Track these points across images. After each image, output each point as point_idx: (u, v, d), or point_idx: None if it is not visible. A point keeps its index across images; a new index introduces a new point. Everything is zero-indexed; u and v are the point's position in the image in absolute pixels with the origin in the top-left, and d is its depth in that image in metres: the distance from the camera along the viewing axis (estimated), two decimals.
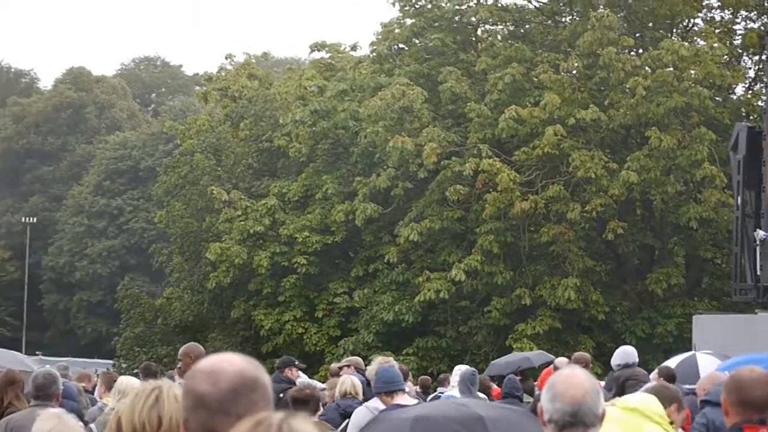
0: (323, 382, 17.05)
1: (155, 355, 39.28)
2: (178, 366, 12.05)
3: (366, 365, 15.27)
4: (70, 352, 78.89)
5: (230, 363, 3.03)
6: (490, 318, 32.70)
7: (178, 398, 4.08)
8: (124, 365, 41.77)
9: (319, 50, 42.64)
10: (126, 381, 9.19)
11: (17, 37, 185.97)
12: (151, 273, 66.84)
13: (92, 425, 8.79)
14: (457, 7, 36.55)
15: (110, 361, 48.73)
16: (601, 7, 33.29)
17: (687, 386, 11.51)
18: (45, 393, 8.28)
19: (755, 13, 36.14)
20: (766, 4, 35.89)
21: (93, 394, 15.84)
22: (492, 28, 37.97)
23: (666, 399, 6.88)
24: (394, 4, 36.70)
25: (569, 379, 4.21)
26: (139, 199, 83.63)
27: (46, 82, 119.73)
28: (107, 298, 79.06)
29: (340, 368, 15.59)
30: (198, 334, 40.87)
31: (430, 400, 14.27)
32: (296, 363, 15.80)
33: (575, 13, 35.70)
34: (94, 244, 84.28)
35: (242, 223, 36.69)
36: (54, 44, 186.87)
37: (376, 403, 9.96)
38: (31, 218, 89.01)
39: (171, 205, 42.05)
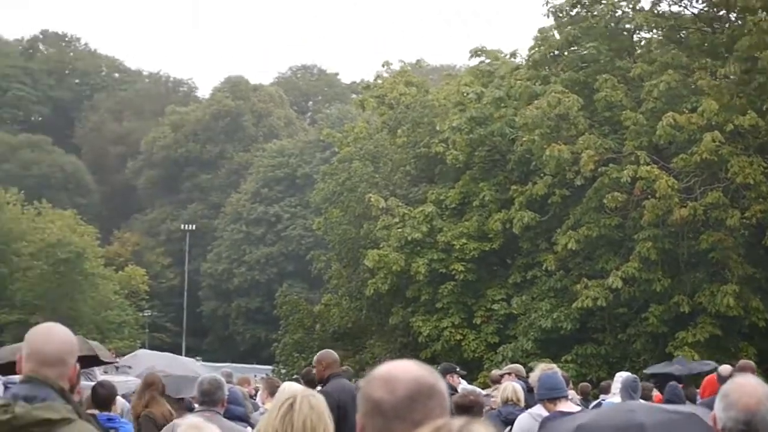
0: (483, 389, 17.23)
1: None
2: (306, 372, 12.94)
3: (527, 372, 15.40)
4: (229, 357, 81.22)
5: (406, 370, 3.08)
6: (648, 325, 32.71)
7: (312, 405, 4.38)
8: (283, 371, 42.86)
9: (478, 56, 42.93)
10: (289, 387, 9.20)
11: (176, 47, 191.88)
12: (308, 279, 68.34)
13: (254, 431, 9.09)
14: (612, 14, 36.83)
15: (269, 367, 49.98)
16: (760, 10, 33.09)
17: None
18: (210, 399, 8.38)
19: None
20: None
21: (254, 399, 16.41)
22: (647, 35, 38.13)
23: None
24: (548, 15, 37.18)
25: (743, 387, 4.19)
26: (296, 206, 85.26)
27: (204, 91, 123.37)
28: (265, 304, 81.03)
29: (501, 375, 15.86)
30: (356, 341, 42.03)
31: (593, 407, 14.53)
32: (457, 370, 16.26)
33: (733, 18, 35.56)
34: (252, 251, 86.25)
35: (400, 230, 37.22)
36: (212, 54, 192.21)
37: (539, 410, 9.98)
38: (190, 225, 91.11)
39: (329, 212, 43.04)
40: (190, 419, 4.99)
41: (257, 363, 70.78)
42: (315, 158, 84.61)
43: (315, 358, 11.88)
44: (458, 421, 2.68)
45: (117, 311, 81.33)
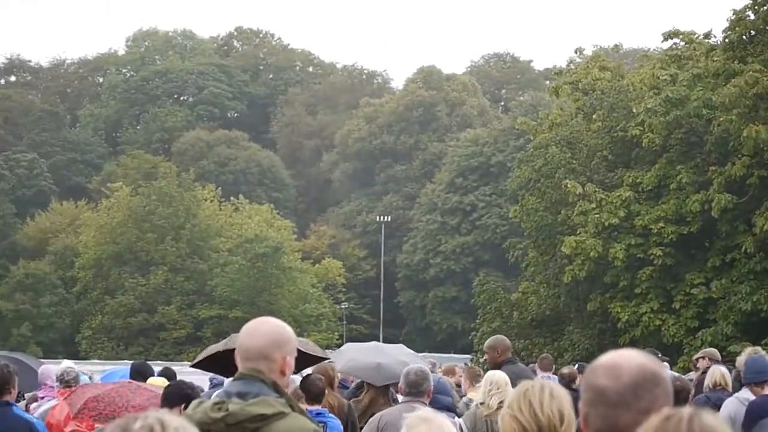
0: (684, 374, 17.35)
1: (512, 349, 41.02)
2: (483, 359, 13.09)
3: (724, 356, 15.45)
4: (427, 347, 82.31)
5: (630, 358, 3.12)
6: None
7: (553, 394, 4.33)
8: (482, 359, 43.58)
9: (671, 38, 42.70)
10: (495, 375, 9.37)
11: (370, 39, 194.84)
12: (504, 268, 68.84)
13: (460, 420, 9.08)
14: None
15: (467, 356, 50.77)
16: None
17: None
18: (417, 390, 8.46)
19: None
20: None
21: (459, 388, 16.54)
22: None
23: None
24: None
25: None
26: (491, 195, 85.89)
27: (397, 83, 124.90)
28: (461, 293, 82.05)
29: (696, 360, 16.10)
30: (554, 328, 42.52)
31: None
32: (659, 355, 16.65)
33: None
34: (447, 240, 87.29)
35: (597, 215, 37.43)
36: (405, 44, 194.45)
37: (745, 394, 9.89)
38: (386, 217, 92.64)
39: (525, 200, 43.47)
40: (421, 411, 4.91)
41: (454, 352, 71.70)
42: (509, 146, 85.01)
43: (487, 344, 12.12)
44: (687, 410, 2.68)
45: (314, 304, 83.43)
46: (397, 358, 12.50)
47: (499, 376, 9.27)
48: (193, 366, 10.86)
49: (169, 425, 2.52)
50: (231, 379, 4.69)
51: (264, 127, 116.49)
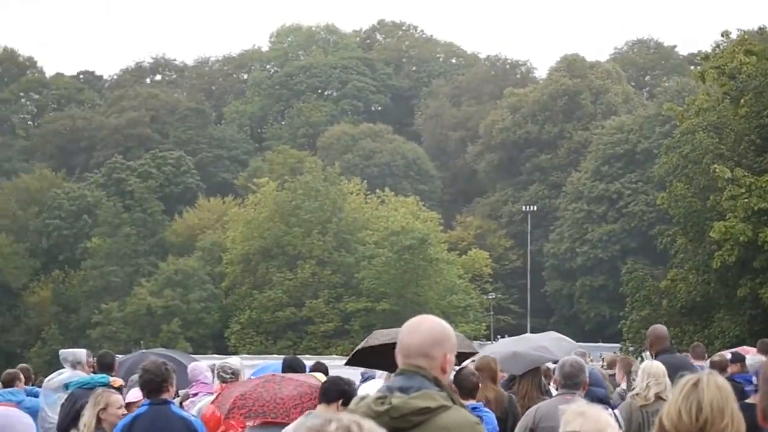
0: None
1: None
2: (632, 348, 12.78)
3: None
4: (574, 336, 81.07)
5: None
6: None
7: (719, 385, 4.16)
8: (631, 348, 43.43)
9: None
10: (653, 366, 9.41)
11: (513, 28, 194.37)
12: (652, 255, 68.33)
13: (615, 411, 9.04)
14: None
15: (615, 345, 50.64)
16: None
17: None
18: (572, 382, 8.48)
19: None
20: None
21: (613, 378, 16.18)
22: None
23: None
24: None
25: None
26: (637, 182, 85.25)
27: (541, 71, 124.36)
28: (609, 282, 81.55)
29: None
30: (704, 315, 42.18)
31: None
32: None
33: None
34: (594, 229, 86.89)
35: (746, 200, 37.04)
36: (548, 33, 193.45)
37: None
38: (532, 206, 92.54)
39: (672, 186, 43.22)
40: (576, 405, 4.80)
41: (602, 341, 71.30)
42: (654, 133, 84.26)
43: (650, 332, 11.99)
44: None
45: (461, 295, 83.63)
46: (538, 343, 12.45)
47: (657, 366, 9.29)
48: (347, 364, 10.90)
49: (364, 426, 2.59)
50: (391, 374, 4.79)
51: (408, 119, 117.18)
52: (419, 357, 4.45)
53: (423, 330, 4.50)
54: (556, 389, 9.12)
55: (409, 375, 4.43)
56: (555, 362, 11.56)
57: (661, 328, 12.34)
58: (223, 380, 10.94)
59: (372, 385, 11.14)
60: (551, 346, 12.48)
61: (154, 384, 8.42)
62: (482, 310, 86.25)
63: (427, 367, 4.43)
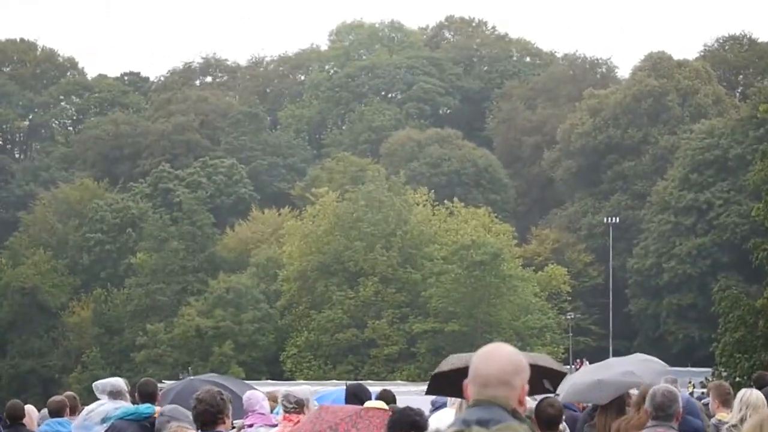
0: None
1: (759, 361, 40.20)
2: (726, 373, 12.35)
3: None
4: (661, 360, 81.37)
5: None
6: None
7: None
8: (724, 374, 42.91)
9: None
10: (751, 395, 9.35)
11: (592, 24, 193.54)
12: (747, 271, 67.60)
13: None
14: None
15: (706, 370, 50.10)
16: None
17: None
18: (665, 413, 8.46)
19: None
20: None
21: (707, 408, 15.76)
22: None
23: None
24: None
25: None
26: (729, 191, 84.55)
27: (623, 71, 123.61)
28: (699, 300, 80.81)
29: None
30: None
31: None
32: None
33: None
34: (682, 242, 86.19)
35: None
36: (631, 29, 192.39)
37: None
38: (613, 218, 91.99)
39: None
40: None
41: (691, 365, 70.58)
42: (748, 137, 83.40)
43: None
44: None
45: (537, 315, 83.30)
46: (623, 368, 12.16)
47: (755, 396, 9.23)
48: (428, 393, 10.77)
49: None
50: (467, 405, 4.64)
51: (479, 123, 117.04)
52: (499, 386, 4.46)
53: (502, 357, 4.51)
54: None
55: (486, 406, 4.41)
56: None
57: None
58: (286, 410, 10.86)
59: (444, 415, 11.15)
60: (638, 369, 12.08)
61: (209, 415, 8.38)
62: (560, 332, 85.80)
63: (506, 396, 4.45)
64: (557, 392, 11.28)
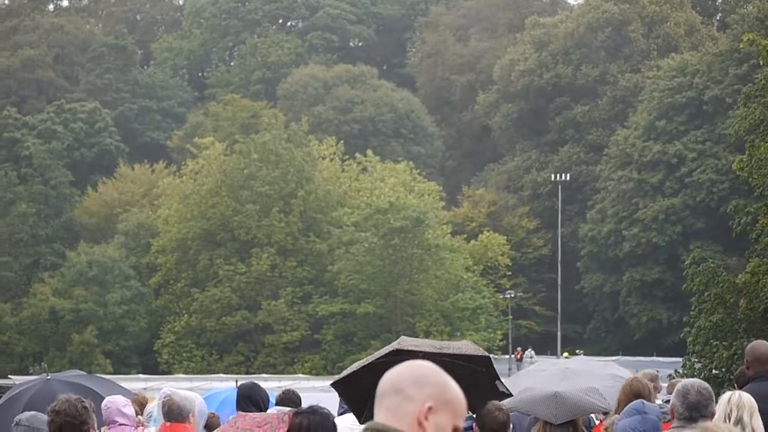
0: None
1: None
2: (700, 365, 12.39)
3: None
4: (621, 348, 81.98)
5: None
6: None
7: None
8: (698, 365, 43.06)
9: None
10: (738, 397, 9.34)
11: None
12: (726, 240, 68.02)
13: None
14: None
15: (676, 360, 50.34)
16: None
17: None
18: (700, 413, 8.60)
19: None
20: None
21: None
22: None
23: None
24: None
25: None
26: (705, 142, 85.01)
27: None
28: (667, 275, 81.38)
29: None
30: None
31: None
32: None
33: None
34: (646, 204, 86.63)
35: None
36: None
37: None
38: (563, 175, 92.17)
39: (754, 148, 42.81)
40: None
41: (658, 354, 71.17)
42: (728, 75, 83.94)
43: (747, 350, 11.69)
44: None
45: (470, 293, 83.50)
46: (588, 383, 12.28)
47: (744, 398, 9.14)
48: (333, 385, 10.68)
49: None
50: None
51: (399, 59, 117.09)
52: (391, 394, 4.10)
53: (407, 366, 4.13)
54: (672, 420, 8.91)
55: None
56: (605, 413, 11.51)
57: (758, 347, 11.61)
58: (168, 418, 10.43)
59: (351, 419, 11.28)
60: (606, 387, 12.16)
61: (71, 428, 8.45)
62: (497, 314, 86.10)
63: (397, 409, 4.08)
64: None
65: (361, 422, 10.57)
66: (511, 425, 10.23)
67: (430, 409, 4.07)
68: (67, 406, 8.44)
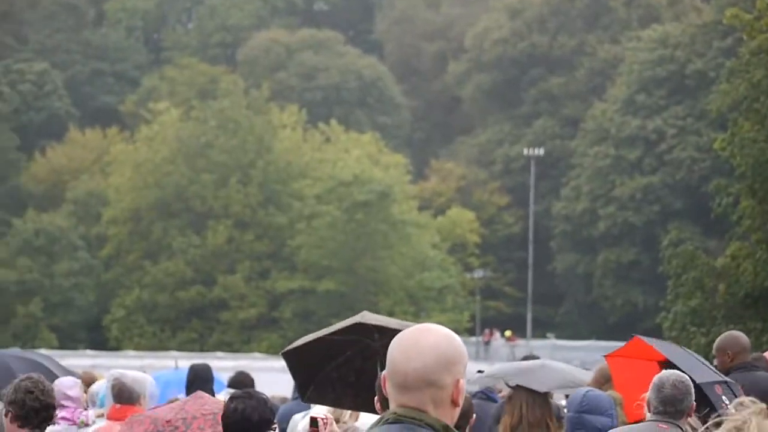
0: None
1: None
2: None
3: None
4: (594, 333, 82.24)
5: None
6: None
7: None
8: None
9: None
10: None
11: None
12: (705, 221, 68.33)
13: None
14: None
15: None
16: None
17: None
18: (675, 408, 8.69)
19: None
20: None
21: None
22: None
23: None
24: None
25: None
26: (685, 118, 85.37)
27: None
28: (644, 257, 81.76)
29: None
30: None
31: None
32: None
33: None
34: (623, 182, 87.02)
35: None
36: None
37: None
38: (537, 149, 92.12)
39: (737, 126, 43.09)
40: None
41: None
42: (711, 48, 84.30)
43: (718, 343, 12.09)
44: None
45: (437, 272, 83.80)
46: (581, 372, 12.74)
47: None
48: (284, 354, 10.33)
49: None
50: (378, 423, 4.22)
51: (365, 24, 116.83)
52: (422, 388, 4.09)
53: (429, 345, 4.11)
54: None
55: (407, 426, 4.07)
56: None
57: (737, 337, 12.07)
58: (118, 400, 10.45)
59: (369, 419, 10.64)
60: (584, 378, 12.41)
61: (45, 410, 8.09)
62: (465, 294, 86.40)
63: (432, 403, 4.10)
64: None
65: (303, 400, 10.59)
66: (474, 415, 10.10)
67: (458, 382, 4.14)
68: (41, 385, 8.12)
